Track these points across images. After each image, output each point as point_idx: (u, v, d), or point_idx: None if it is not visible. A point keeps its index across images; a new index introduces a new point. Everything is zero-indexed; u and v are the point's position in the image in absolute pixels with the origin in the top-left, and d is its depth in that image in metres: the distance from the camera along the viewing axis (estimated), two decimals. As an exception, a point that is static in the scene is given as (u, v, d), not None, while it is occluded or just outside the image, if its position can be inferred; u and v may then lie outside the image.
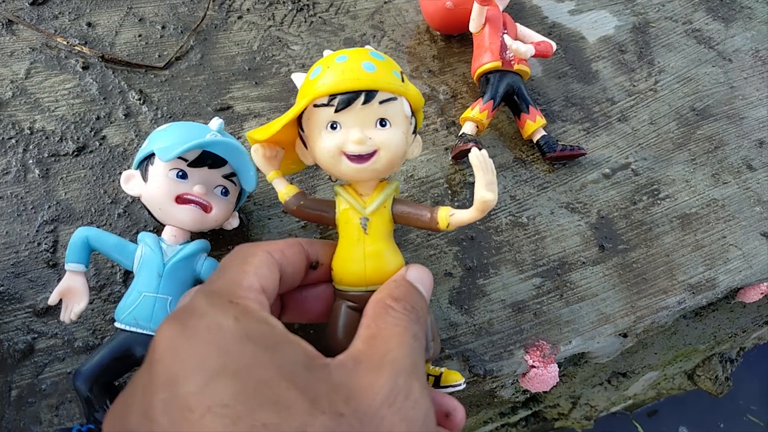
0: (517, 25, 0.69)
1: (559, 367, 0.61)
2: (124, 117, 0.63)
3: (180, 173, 0.50)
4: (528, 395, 0.65)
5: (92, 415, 0.46)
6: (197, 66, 0.68)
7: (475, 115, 0.63)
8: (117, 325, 0.48)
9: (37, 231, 0.56)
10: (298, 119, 0.47)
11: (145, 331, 0.47)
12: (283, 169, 0.51)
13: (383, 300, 0.40)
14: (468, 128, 0.64)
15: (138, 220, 0.57)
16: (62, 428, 0.45)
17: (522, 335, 0.58)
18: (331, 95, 0.43)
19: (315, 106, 0.44)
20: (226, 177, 0.52)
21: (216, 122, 0.53)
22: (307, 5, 0.75)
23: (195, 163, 0.50)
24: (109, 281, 0.54)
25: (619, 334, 0.61)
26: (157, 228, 0.55)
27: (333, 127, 0.44)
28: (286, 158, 0.51)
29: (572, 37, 0.77)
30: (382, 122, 0.45)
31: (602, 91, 0.73)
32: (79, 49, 0.66)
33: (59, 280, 0.48)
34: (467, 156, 0.54)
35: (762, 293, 0.67)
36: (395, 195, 0.48)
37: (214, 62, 0.69)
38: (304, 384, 0.31)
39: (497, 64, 0.64)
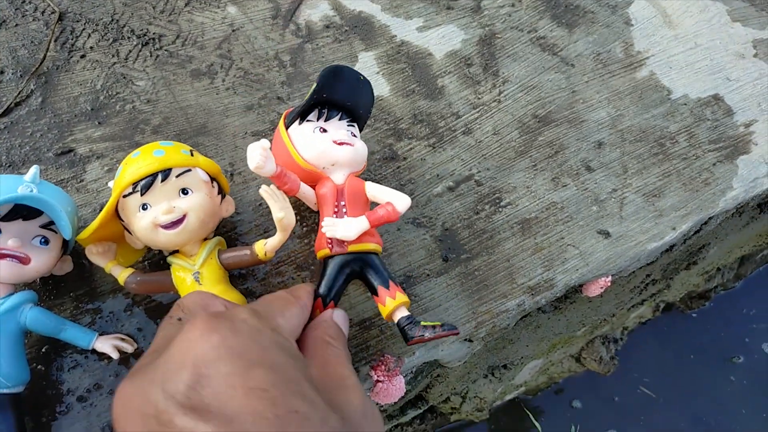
0: (367, 184, 0.59)
1: (416, 377, 0.64)
2: (-44, 170, 0.62)
3: (-7, 229, 0.50)
4: (391, 407, 0.68)
5: None
6: (38, 110, 0.67)
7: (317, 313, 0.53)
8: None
9: None
10: (118, 215, 0.54)
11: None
12: (126, 259, 0.58)
13: (322, 337, 0.48)
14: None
15: (-28, 275, 0.57)
16: None
17: (368, 352, 0.61)
18: (134, 183, 0.52)
19: (124, 197, 0.52)
20: (44, 227, 0.52)
21: (31, 172, 0.53)
22: (153, 39, 0.75)
23: (7, 217, 0.50)
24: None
25: (465, 340, 0.64)
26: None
27: (144, 208, 0.52)
28: (123, 249, 0.58)
29: (420, 54, 0.80)
30: (185, 191, 0.53)
31: (448, 105, 0.77)
32: None
33: None
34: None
35: (602, 287, 0.72)
36: (220, 247, 0.57)
37: (56, 104, 0.68)
38: (317, 390, 0.38)
39: (326, 251, 0.55)
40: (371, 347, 0.61)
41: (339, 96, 0.59)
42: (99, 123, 0.68)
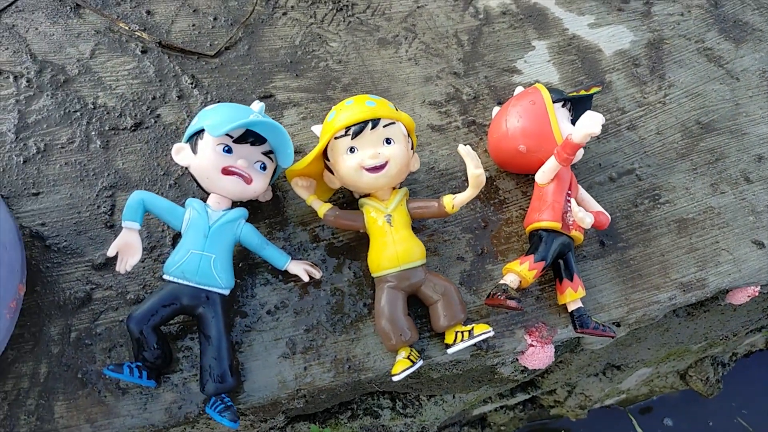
0: (579, 187, 0.66)
1: (557, 350, 0.67)
2: (177, 98, 0.70)
3: (226, 148, 0.56)
4: (526, 376, 0.71)
5: (141, 353, 0.53)
6: (244, 56, 0.75)
7: (522, 271, 0.60)
8: (165, 277, 0.55)
9: (97, 195, 0.63)
10: (324, 154, 0.60)
11: (190, 283, 0.54)
12: (320, 197, 0.63)
13: None
14: (510, 280, 0.61)
15: (186, 191, 0.64)
16: (115, 364, 0.52)
17: (524, 317, 0.64)
18: (346, 127, 0.58)
19: (335, 138, 0.59)
20: (265, 154, 0.59)
21: (258, 105, 0.60)
22: (347, 5, 0.81)
23: (239, 140, 0.57)
24: (159, 243, 0.61)
25: (613, 323, 0.67)
26: (203, 198, 0.62)
27: (351, 151, 0.58)
28: (319, 187, 0.64)
29: (590, 49, 0.83)
30: (388, 141, 0.59)
31: (614, 100, 0.79)
32: (138, 34, 0.73)
33: (116, 239, 0.55)
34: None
35: (749, 296, 0.72)
36: (407, 197, 0.62)
37: (260, 54, 0.75)
38: None
39: (557, 225, 0.62)
40: (526, 313, 0.64)
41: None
42: (296, 75, 0.74)
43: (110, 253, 0.53)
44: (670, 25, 0.88)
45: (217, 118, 0.57)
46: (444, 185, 0.70)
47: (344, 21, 0.80)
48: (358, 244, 0.65)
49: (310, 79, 0.74)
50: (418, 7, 0.83)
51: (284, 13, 0.79)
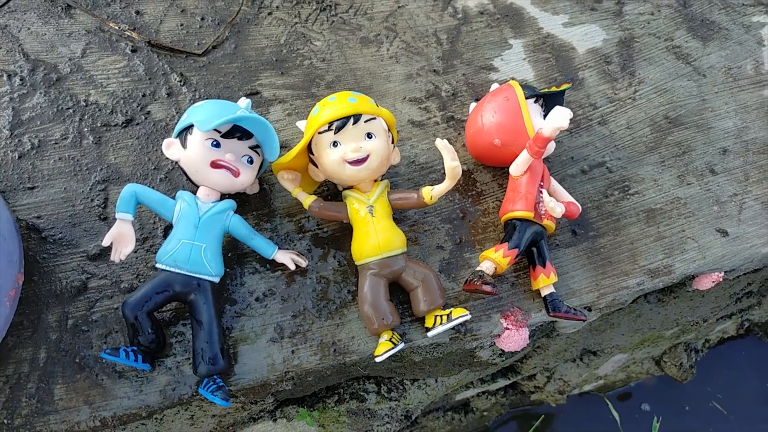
0: (552, 179, 0.70)
1: (532, 334, 0.70)
2: (166, 96, 0.72)
3: (214, 143, 0.59)
4: (504, 360, 0.74)
5: (136, 338, 0.56)
6: (231, 55, 0.77)
7: (497, 258, 0.64)
8: (158, 265, 0.57)
9: (90, 189, 0.65)
10: (308, 148, 0.64)
11: (182, 271, 0.57)
12: (305, 189, 0.66)
13: None
14: (486, 266, 0.65)
15: (177, 184, 0.67)
16: (112, 348, 0.54)
17: (499, 302, 0.68)
18: (330, 122, 0.61)
19: (319, 133, 0.62)
20: (252, 148, 0.62)
21: (244, 101, 0.63)
22: (330, 5, 0.84)
23: (227, 135, 0.60)
24: (151, 234, 0.64)
25: (585, 308, 0.70)
26: (192, 191, 0.64)
27: (335, 145, 0.62)
28: (302, 181, 0.67)
29: (564, 47, 0.87)
30: (369, 135, 0.62)
31: (586, 96, 0.83)
32: (128, 34, 0.75)
33: (109, 231, 0.58)
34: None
35: (713, 281, 0.76)
36: (387, 189, 0.66)
37: (246, 52, 0.78)
38: None
39: (530, 215, 0.65)
40: (502, 299, 0.68)
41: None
42: (281, 73, 0.77)
43: (105, 242, 0.56)
44: (640, 24, 0.92)
45: (206, 114, 0.59)
46: (424, 178, 0.73)
47: (327, 20, 0.83)
48: (342, 234, 0.68)
49: (295, 77, 0.77)
50: (399, 7, 0.86)
51: (269, 13, 0.82)
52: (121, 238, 0.57)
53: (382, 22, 0.84)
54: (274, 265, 0.65)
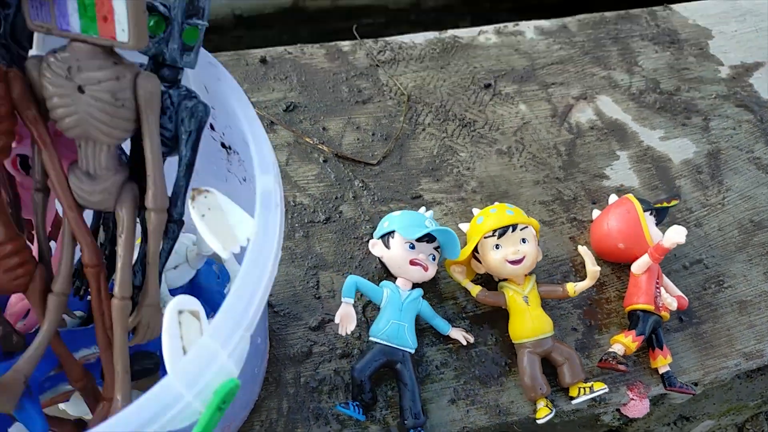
0: (663, 276, 0.88)
1: (651, 403, 0.86)
2: (353, 198, 0.92)
3: (411, 245, 0.78)
4: (621, 424, 0.89)
5: (360, 395, 0.73)
6: (397, 164, 0.97)
7: (627, 342, 0.81)
8: (372, 339, 0.75)
9: (305, 273, 0.84)
10: (474, 248, 0.81)
11: (391, 344, 0.74)
12: (467, 278, 0.84)
13: None
14: (617, 348, 0.82)
15: (367, 270, 0.86)
16: (343, 402, 0.72)
17: (625, 377, 0.83)
18: (494, 230, 0.79)
19: (485, 237, 0.80)
20: (435, 248, 0.80)
21: (429, 213, 0.82)
22: (469, 123, 1.03)
23: (420, 239, 0.78)
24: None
25: (693, 383, 0.86)
26: (381, 277, 0.82)
27: (497, 248, 0.79)
28: (467, 271, 0.85)
29: (662, 159, 1.04)
30: (524, 240, 0.80)
31: (683, 202, 1.00)
32: (320, 147, 0.95)
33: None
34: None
35: (798, 364, 0.91)
36: (536, 281, 0.83)
37: (408, 162, 0.97)
38: None
39: (651, 307, 0.83)
40: (628, 374, 0.83)
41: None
42: (436, 180, 0.96)
43: (336, 320, 0.74)
44: (725, 138, 1.09)
45: (404, 224, 0.78)
46: (556, 269, 0.90)
47: (468, 135, 1.02)
48: (494, 316, 0.85)
49: (447, 182, 0.96)
50: (524, 123, 1.05)
51: (423, 129, 1.02)
52: (346, 316, 0.75)
53: (512, 135, 1.03)
54: (446, 340, 0.82)
